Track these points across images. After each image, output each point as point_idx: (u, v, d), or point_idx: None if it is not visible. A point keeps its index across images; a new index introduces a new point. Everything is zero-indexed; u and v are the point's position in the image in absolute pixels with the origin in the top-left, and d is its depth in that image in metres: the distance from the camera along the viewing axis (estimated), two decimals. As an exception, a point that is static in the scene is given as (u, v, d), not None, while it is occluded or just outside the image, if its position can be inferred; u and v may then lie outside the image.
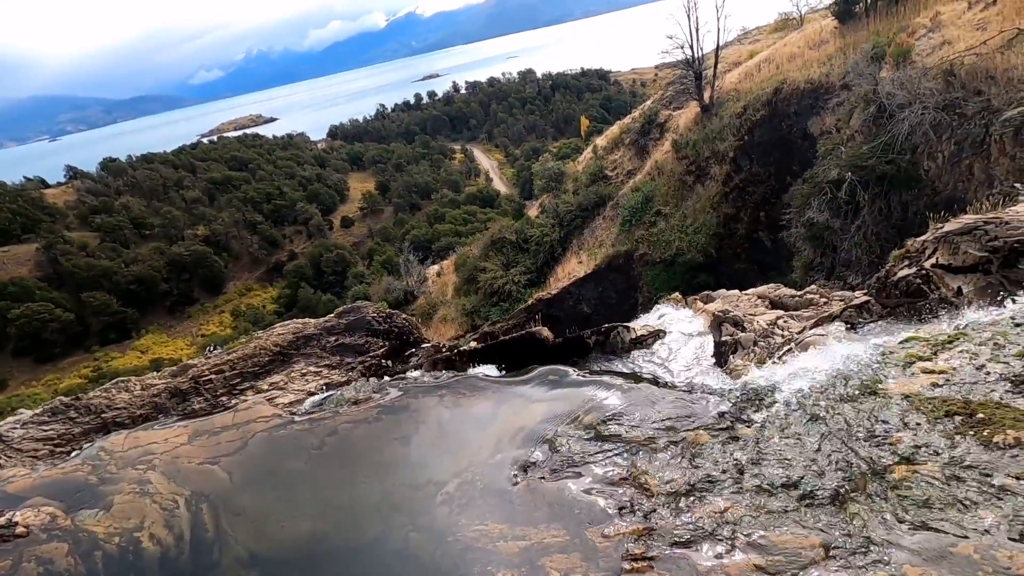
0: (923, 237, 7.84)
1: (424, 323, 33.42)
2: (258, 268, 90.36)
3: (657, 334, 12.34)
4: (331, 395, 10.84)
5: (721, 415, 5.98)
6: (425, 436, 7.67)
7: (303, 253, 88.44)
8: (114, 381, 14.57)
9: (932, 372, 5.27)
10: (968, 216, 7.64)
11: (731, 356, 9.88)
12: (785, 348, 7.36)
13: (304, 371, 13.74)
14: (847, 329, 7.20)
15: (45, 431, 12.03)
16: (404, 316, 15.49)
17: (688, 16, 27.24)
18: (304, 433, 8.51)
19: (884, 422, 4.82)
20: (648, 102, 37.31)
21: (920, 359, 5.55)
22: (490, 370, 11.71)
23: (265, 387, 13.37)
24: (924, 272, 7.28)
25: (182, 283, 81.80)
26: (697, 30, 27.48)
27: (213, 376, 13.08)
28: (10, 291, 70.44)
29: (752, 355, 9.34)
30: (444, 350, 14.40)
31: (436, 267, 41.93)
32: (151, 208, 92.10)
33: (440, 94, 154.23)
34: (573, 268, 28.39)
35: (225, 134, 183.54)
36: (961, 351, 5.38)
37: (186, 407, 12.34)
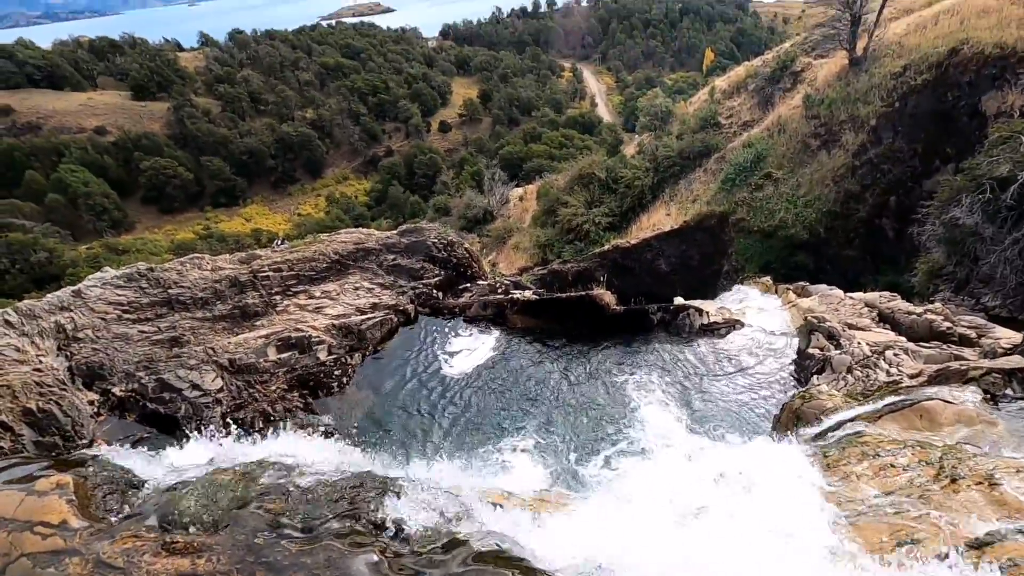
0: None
1: (497, 247, 32.96)
2: (356, 159, 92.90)
3: (734, 324, 10.95)
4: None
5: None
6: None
7: (399, 151, 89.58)
8: (191, 256, 15.23)
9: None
10: None
11: (814, 376, 8.44)
12: (889, 401, 5.93)
13: (357, 285, 13.64)
14: (985, 400, 5.62)
15: (118, 295, 12.77)
16: (466, 246, 14.88)
17: (863, -59, 22.63)
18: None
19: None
20: (787, 44, 32.47)
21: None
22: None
23: (318, 294, 13.46)
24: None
25: (287, 162, 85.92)
26: (870, -40, 22.89)
27: (271, 273, 13.27)
28: (143, 144, 77.11)
29: (842, 383, 7.88)
30: (499, 291, 13.78)
31: (520, 190, 40.76)
32: (268, 84, 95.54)
33: (560, 3, 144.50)
34: (659, 219, 26.33)
35: (344, 19, 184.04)
36: None
37: (241, 300, 12.68)
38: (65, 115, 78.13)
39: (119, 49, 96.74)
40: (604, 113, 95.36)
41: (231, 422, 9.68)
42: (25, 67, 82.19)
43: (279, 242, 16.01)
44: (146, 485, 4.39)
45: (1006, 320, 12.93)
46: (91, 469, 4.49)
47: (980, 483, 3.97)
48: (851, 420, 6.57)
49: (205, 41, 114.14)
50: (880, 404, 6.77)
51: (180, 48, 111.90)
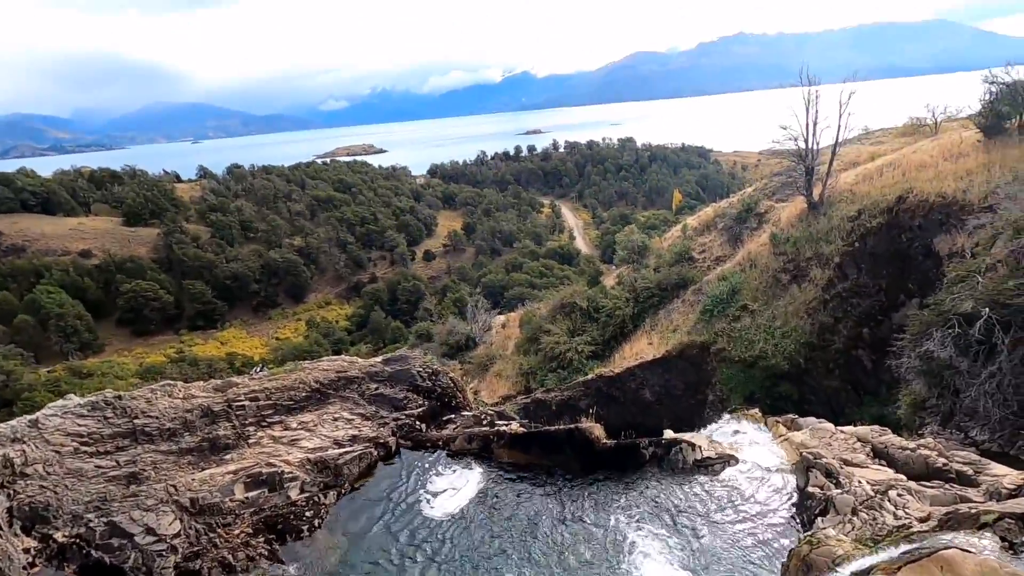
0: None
1: (479, 374, 32.52)
2: (340, 284, 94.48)
3: (728, 460, 10.58)
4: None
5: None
6: None
7: (383, 278, 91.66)
8: (163, 383, 14.62)
9: None
10: None
11: (818, 517, 8.02)
12: (905, 549, 5.60)
13: (337, 415, 13.07)
14: (1004, 548, 5.34)
15: (79, 425, 11.98)
16: (451, 375, 14.63)
17: (807, 108, 25.76)
18: None
19: None
20: (749, 189, 35.55)
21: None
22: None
23: (294, 425, 12.82)
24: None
25: (271, 286, 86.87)
26: (815, 124, 25.86)
27: (247, 402, 12.70)
28: (127, 267, 77.80)
29: (849, 526, 7.47)
30: (484, 423, 13.31)
31: (503, 317, 41.29)
32: (260, 214, 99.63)
33: (539, 149, 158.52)
34: (642, 348, 26.60)
35: (338, 157, 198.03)
36: None
37: (212, 431, 11.97)
38: (52, 238, 79.39)
39: (119, 179, 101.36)
40: (582, 246, 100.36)
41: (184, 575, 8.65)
42: (22, 193, 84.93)
43: (258, 369, 15.57)
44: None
45: (998, 455, 12.77)
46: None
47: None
48: (868, 571, 6.15)
49: (203, 174, 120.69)
50: (896, 552, 6.39)
51: (178, 179, 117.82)
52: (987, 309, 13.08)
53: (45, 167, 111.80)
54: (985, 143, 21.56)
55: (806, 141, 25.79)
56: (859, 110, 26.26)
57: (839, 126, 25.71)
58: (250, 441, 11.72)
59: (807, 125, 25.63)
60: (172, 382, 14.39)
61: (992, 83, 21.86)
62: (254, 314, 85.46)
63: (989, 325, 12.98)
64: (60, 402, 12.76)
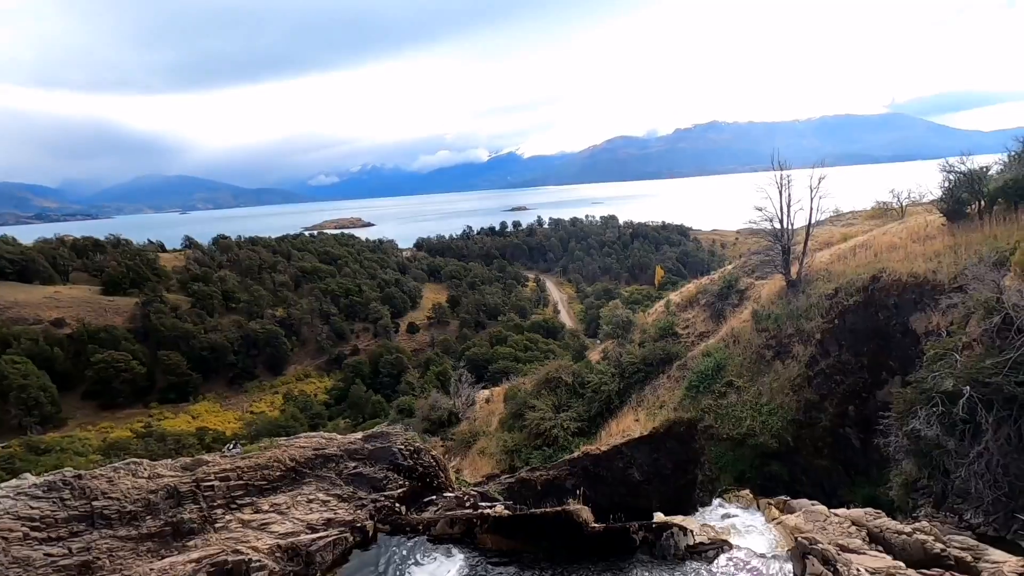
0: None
1: (462, 452, 31.43)
2: (320, 356, 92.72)
3: (721, 545, 10.11)
4: None
5: None
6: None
7: (366, 350, 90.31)
8: (128, 461, 13.87)
9: None
10: None
11: (819, 611, 7.61)
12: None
13: (312, 496, 12.39)
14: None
15: (32, 508, 11.18)
16: (433, 453, 14.10)
17: (780, 192, 27.06)
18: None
19: None
20: (729, 266, 36.52)
21: None
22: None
23: (266, 507, 12.09)
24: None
25: (248, 358, 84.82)
26: (788, 206, 27.07)
27: (217, 482, 12.02)
28: (100, 336, 75.77)
29: (851, 621, 7.07)
30: (467, 504, 12.70)
31: (487, 392, 40.51)
32: (243, 284, 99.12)
33: (524, 225, 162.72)
34: (628, 425, 26.11)
35: (326, 230, 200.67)
36: None
37: (176, 514, 11.20)
38: (25, 307, 77.63)
39: (101, 248, 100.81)
40: (567, 319, 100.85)
41: None
42: None
43: (231, 447, 14.86)
44: None
45: (994, 539, 12.45)
46: None
47: None
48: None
49: (189, 244, 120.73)
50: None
51: (163, 249, 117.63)
52: (968, 387, 13.20)
53: (28, 235, 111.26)
54: (949, 226, 22.65)
55: (781, 222, 26.86)
56: (828, 193, 27.63)
57: (811, 208, 26.91)
58: (217, 525, 10.97)
59: (781, 207, 26.79)
60: (138, 460, 13.64)
61: (950, 172, 23.27)
62: (229, 387, 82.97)
63: (972, 403, 13.05)
64: (14, 481, 11.94)
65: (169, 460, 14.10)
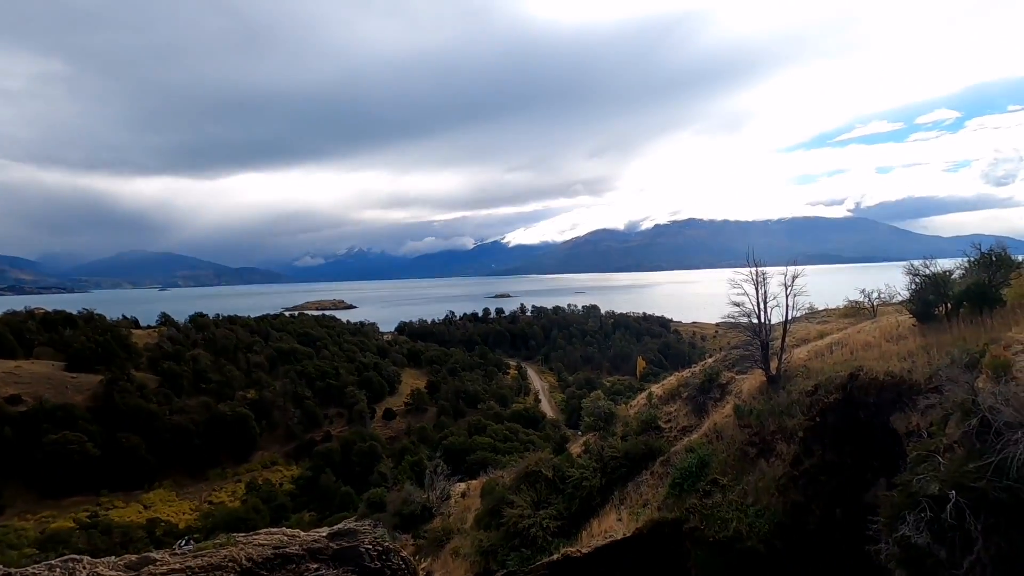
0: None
1: (433, 551, 29.42)
2: (290, 443, 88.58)
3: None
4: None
5: None
6: None
7: (338, 436, 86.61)
8: (65, 558, 12.75)
9: None
10: None
11: None
12: None
13: (267, 604, 11.32)
14: None
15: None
16: (403, 555, 13.15)
17: (756, 288, 27.83)
18: None
19: None
20: (710, 360, 36.68)
21: None
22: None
23: (214, 616, 10.96)
24: None
25: (213, 441, 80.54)
26: (765, 302, 27.74)
27: (163, 586, 10.97)
28: (56, 415, 71.81)
29: None
30: (438, 615, 11.66)
31: (463, 485, 38.65)
32: (216, 364, 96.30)
33: (507, 312, 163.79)
34: (611, 525, 24.82)
35: (307, 311, 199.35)
36: None
37: (113, 623, 10.09)
38: (-18, 381, 74.09)
39: (72, 322, 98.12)
40: (547, 409, 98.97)
41: None
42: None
43: (183, 543, 13.71)
44: None
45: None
46: None
47: None
48: None
49: (164, 320, 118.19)
50: None
51: (136, 325, 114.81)
52: (954, 492, 12.95)
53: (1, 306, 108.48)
54: (920, 327, 23.28)
55: (758, 317, 27.41)
56: (803, 290, 28.48)
57: (787, 305, 27.58)
58: (156, 637, 9.87)
59: (758, 302, 27.46)
60: (78, 556, 12.54)
61: (915, 275, 24.29)
62: (189, 473, 78.06)
63: (959, 509, 12.74)
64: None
65: (113, 557, 12.98)
